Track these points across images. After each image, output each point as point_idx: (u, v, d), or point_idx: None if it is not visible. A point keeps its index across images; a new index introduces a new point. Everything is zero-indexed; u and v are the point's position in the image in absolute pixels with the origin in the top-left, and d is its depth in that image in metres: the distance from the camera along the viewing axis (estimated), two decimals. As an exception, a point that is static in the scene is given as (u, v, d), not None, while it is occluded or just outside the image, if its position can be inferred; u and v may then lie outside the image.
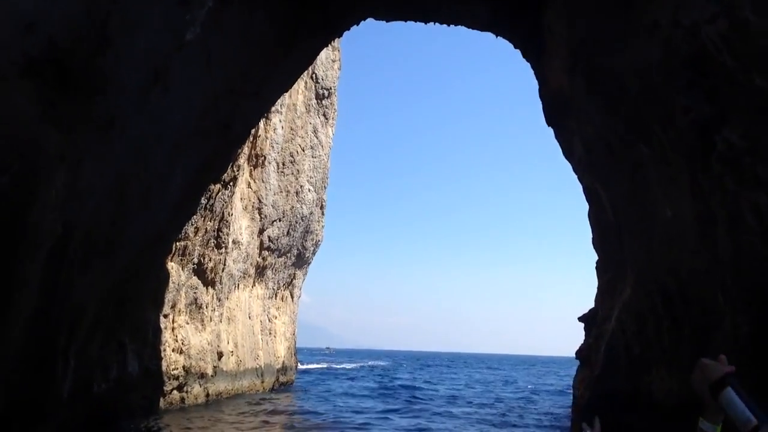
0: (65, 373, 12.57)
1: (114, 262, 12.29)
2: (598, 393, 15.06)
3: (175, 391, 21.50)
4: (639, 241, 13.05)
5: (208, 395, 23.49)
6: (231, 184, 22.79)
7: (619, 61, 10.91)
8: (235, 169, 22.37)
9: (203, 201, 21.06)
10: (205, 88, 11.20)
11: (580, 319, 17.73)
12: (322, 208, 35.64)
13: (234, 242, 25.36)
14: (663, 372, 13.20)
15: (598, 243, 17.18)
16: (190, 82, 10.40)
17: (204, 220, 21.75)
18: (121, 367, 17.60)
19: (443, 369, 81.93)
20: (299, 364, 71.31)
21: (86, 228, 9.68)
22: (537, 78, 16.53)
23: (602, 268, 16.71)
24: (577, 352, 17.12)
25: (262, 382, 29.55)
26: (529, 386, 47.70)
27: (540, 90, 16.46)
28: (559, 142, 16.48)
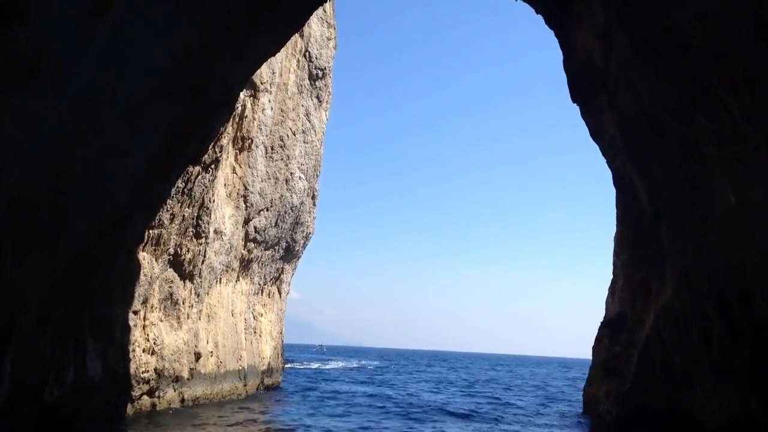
0: (0, 378, 10.71)
1: (61, 248, 10.40)
2: (629, 409, 13.28)
3: (145, 396, 19.60)
4: (687, 234, 11.24)
5: (183, 400, 21.60)
6: (212, 167, 20.87)
7: (677, 10, 9.06)
8: (217, 150, 20.45)
9: (180, 185, 19.15)
10: (173, 36, 9.33)
11: (605, 323, 15.94)
12: (313, 198, 33.72)
13: (216, 232, 23.45)
14: (710, 388, 11.42)
15: (625, 238, 15.39)
16: (152, 24, 8.52)
17: (181, 207, 19.84)
18: (80, 369, 15.70)
19: (440, 369, 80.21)
20: (289, 363, 70.10)
21: (13, 206, 7.78)
22: (562, 48, 14.70)
23: (630, 267, 14.91)
24: (602, 362, 15.33)
25: (245, 385, 27.66)
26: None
27: (565, 62, 14.63)
28: (586, 121, 14.66)
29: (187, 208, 20.25)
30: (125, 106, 9.32)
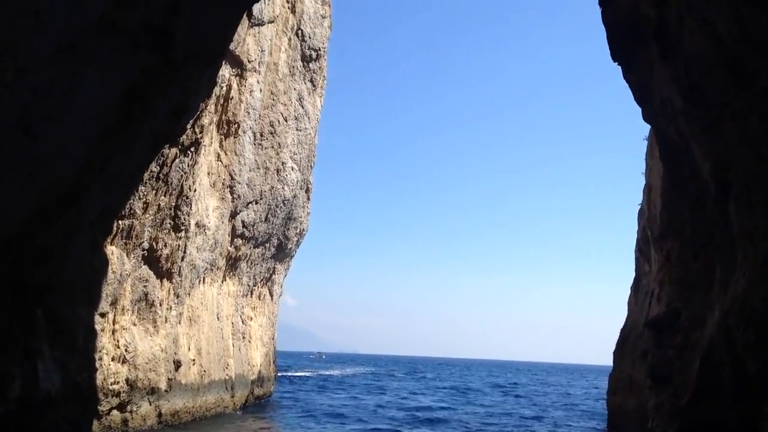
0: None
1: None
2: (688, 427, 11.18)
3: (115, 412, 17.45)
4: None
5: (160, 415, 19.44)
6: (192, 150, 18.75)
7: None
8: (197, 130, 18.34)
9: (154, 168, 17.05)
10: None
11: (648, 323, 13.85)
12: (307, 191, 31.61)
13: (198, 225, 21.34)
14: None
15: (675, 222, 13.31)
16: None
17: (156, 194, 17.72)
18: (30, 381, 13.56)
19: (449, 376, 77.98)
20: (287, 371, 68.20)
21: None
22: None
23: (684, 255, 12.82)
24: (650, 369, 13.23)
25: (233, 396, 25.50)
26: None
27: (604, 15, 12.58)
28: (629, 81, 12.63)
29: (163, 197, 18.13)
30: (57, 37, 7.24)
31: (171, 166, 17.73)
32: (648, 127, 16.27)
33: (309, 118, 29.14)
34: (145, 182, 16.81)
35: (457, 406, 35.47)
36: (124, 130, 10.70)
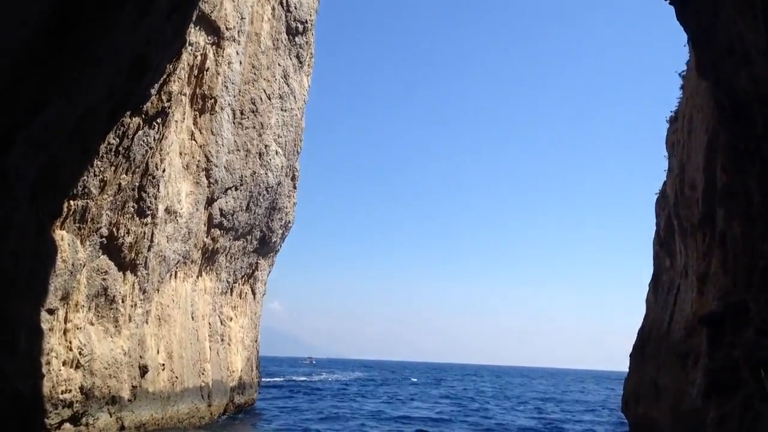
0: None
1: None
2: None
3: (67, 425, 15.25)
4: None
5: (123, 428, 17.26)
6: (159, 122, 16.57)
7: None
8: (163, 97, 16.15)
9: (112, 140, 14.86)
10: None
11: (703, 320, 11.84)
12: (293, 179, 29.48)
13: (168, 212, 19.18)
14: None
15: (730, 195, 11.30)
16: None
17: (115, 171, 15.54)
18: (-48, 391, 11.43)
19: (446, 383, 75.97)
20: (274, 377, 66.34)
21: None
22: None
23: (745, 236, 10.79)
24: (709, 373, 11.20)
25: (209, 406, 23.29)
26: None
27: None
28: (685, 24, 10.60)
29: (124, 174, 15.96)
30: None
31: (133, 139, 15.55)
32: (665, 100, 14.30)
33: (295, 97, 27.02)
34: (102, 155, 14.64)
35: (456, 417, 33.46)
36: (56, 67, 8.57)
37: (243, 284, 28.05)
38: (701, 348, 14.09)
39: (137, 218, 17.20)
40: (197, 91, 20.69)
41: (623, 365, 26.91)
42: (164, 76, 15.69)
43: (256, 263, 28.61)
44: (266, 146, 24.99)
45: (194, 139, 20.90)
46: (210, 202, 22.24)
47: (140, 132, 15.81)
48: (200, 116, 21.09)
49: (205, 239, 22.64)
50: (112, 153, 15.10)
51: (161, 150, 17.51)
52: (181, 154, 20.20)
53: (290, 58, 26.25)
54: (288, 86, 26.14)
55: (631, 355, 27.03)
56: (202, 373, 22.90)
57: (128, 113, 14.93)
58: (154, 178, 17.36)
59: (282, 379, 66.04)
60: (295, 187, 29.76)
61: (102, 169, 14.99)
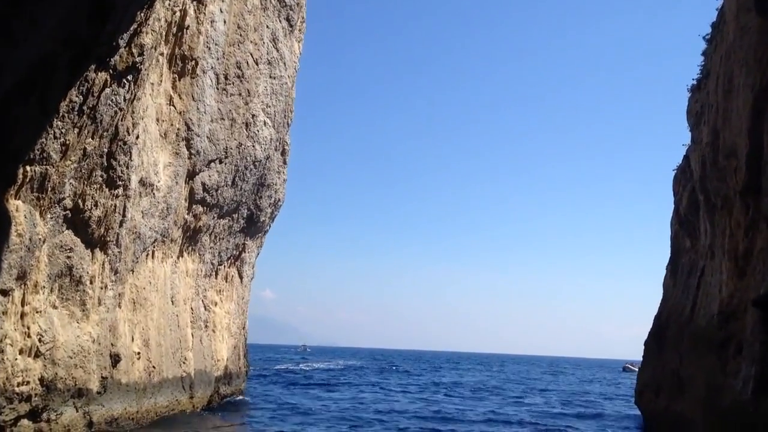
0: None
1: None
2: None
3: (24, 421, 13.69)
4: None
5: (91, 424, 15.73)
6: (130, 79, 14.89)
7: None
8: (134, 50, 14.46)
9: (76, 98, 13.19)
10: None
11: (758, 302, 10.36)
12: (283, 154, 27.88)
13: (143, 184, 17.56)
14: None
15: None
16: None
17: (80, 134, 13.88)
18: None
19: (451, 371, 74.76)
20: (269, 366, 64.96)
21: None
22: None
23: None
24: (762, 362, 9.72)
25: (191, 397, 21.78)
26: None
27: None
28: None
29: (90, 138, 14.31)
30: None
31: (99, 97, 13.88)
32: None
33: (285, 64, 25.34)
34: (63, 115, 12.99)
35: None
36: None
37: (229, 266, 26.49)
38: (744, 335, 12.65)
39: (106, 189, 15.57)
40: (176, 51, 19.02)
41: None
42: (135, 26, 14.04)
43: (243, 244, 27.04)
44: (253, 116, 23.34)
45: (173, 105, 19.24)
46: (191, 175, 20.61)
47: (108, 89, 14.13)
48: (180, 79, 19.42)
49: (186, 216, 21.04)
50: (75, 112, 13.44)
51: (133, 112, 15.86)
52: (158, 120, 18.56)
53: (279, 21, 24.56)
54: (277, 51, 24.45)
55: (646, 343, 25.65)
56: (184, 363, 21.37)
57: (93, 67, 13.31)
58: (125, 144, 15.72)
59: (276, 368, 64.93)
60: (285, 163, 28.15)
61: (64, 130, 13.33)
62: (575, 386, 57.09)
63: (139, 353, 18.10)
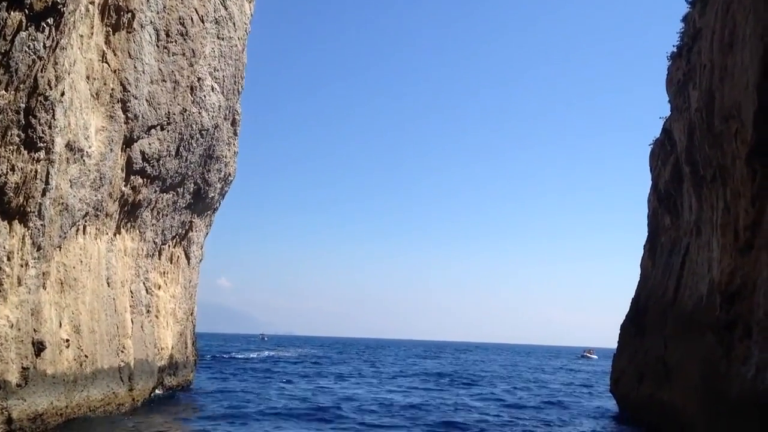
0: None
1: None
2: None
3: (-75, 420, 11.94)
4: None
5: (10, 421, 13.94)
6: (51, 23, 13.05)
7: None
8: (54, -13, 12.63)
9: (-18, 39, 11.38)
10: None
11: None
12: (234, 124, 26.10)
13: (71, 148, 15.73)
14: None
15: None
16: None
17: (-11, 84, 12.05)
18: None
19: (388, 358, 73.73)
20: (224, 354, 63.38)
21: None
22: None
23: None
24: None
25: (131, 390, 20.03)
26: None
27: None
28: None
29: (2, 91, 12.47)
30: None
31: (13, 41, 12.06)
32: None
33: (235, 25, 23.55)
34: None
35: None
36: None
37: (174, 246, 24.70)
38: (754, 316, 11.53)
39: (25, 151, 13.72)
40: (109, 0, 17.16)
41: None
42: (53, -43, 12.22)
43: (191, 222, 25.27)
44: (199, 79, 21.54)
45: (106, 62, 17.38)
46: (128, 142, 18.79)
47: (23, 33, 12.30)
48: (114, 33, 17.56)
49: (123, 188, 19.21)
50: (-18, 57, 11.63)
51: (56, 64, 14.00)
52: (88, 78, 16.70)
53: (228, -24, 22.75)
54: (225, 9, 22.65)
55: (622, 327, 24.67)
56: (122, 351, 19.61)
57: (4, 4, 11.52)
58: (46, 99, 13.88)
59: (229, 356, 63.37)
60: (236, 134, 26.40)
61: (-34, 78, 11.52)
62: (537, 374, 56.59)
63: (68, 341, 16.32)
